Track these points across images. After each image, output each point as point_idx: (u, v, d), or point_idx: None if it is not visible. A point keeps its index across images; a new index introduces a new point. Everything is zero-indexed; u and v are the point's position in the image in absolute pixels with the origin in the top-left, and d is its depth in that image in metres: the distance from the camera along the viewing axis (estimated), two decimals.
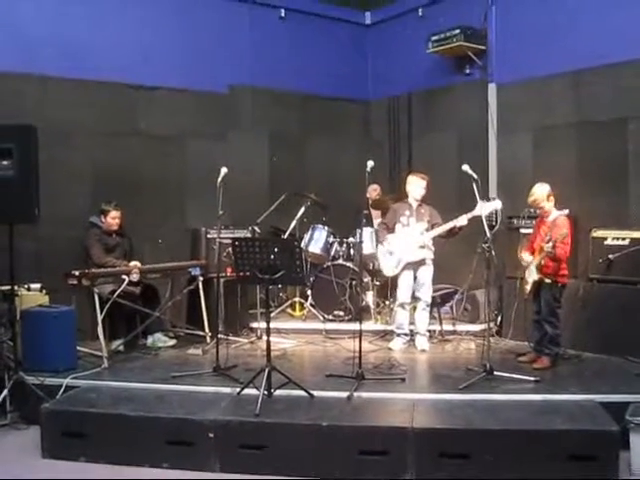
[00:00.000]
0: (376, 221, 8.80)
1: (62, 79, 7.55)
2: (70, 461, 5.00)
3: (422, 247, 7.08)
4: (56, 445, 5.07)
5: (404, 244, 7.09)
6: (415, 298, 7.22)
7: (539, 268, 6.08)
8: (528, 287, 6.24)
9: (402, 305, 7.22)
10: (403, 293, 7.19)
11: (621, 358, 6.38)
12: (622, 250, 6.60)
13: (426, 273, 7.14)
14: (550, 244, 5.85)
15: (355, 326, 6.02)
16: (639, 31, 6.91)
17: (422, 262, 7.12)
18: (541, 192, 6.20)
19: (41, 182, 6.66)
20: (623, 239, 6.68)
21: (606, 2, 7.27)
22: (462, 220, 6.76)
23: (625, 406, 4.90)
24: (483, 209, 6.37)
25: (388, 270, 7.26)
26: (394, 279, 7.50)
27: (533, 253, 6.21)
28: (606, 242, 6.81)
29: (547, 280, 6.11)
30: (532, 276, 6.17)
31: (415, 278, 7.15)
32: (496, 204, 6.55)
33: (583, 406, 5.11)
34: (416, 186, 7.18)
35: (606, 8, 7.25)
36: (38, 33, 7.38)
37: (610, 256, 6.66)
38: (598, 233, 6.90)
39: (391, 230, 7.25)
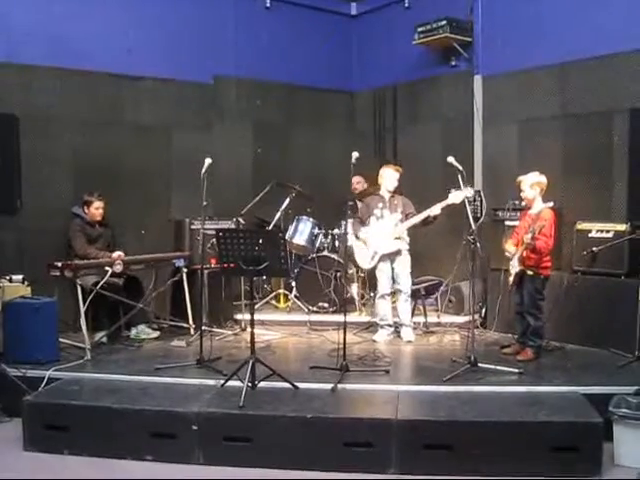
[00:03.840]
0: None
1: (45, 68, 7.47)
2: (52, 454, 4.97)
3: (397, 238, 7.07)
4: (38, 438, 5.04)
5: (379, 236, 7.09)
6: (395, 291, 7.22)
7: (521, 260, 6.09)
8: (511, 279, 6.26)
9: (383, 296, 7.23)
10: (383, 285, 7.19)
11: (605, 350, 6.41)
12: (606, 242, 6.61)
13: (403, 264, 7.14)
14: (529, 235, 5.86)
15: (340, 318, 6.02)
16: (625, 24, 6.92)
17: (398, 253, 7.11)
18: (528, 177, 6.20)
19: (23, 172, 6.64)
20: (607, 231, 6.69)
21: None
22: (435, 209, 6.77)
23: (608, 398, 4.92)
24: (455, 197, 6.38)
25: (364, 263, 7.27)
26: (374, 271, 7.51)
27: (518, 245, 6.20)
28: (590, 234, 6.82)
29: (529, 272, 6.12)
30: (514, 268, 6.18)
31: (393, 269, 7.15)
32: (467, 192, 6.51)
33: (567, 398, 5.14)
34: (390, 178, 7.17)
35: (592, 1, 7.25)
36: (20, 22, 7.28)
37: (594, 248, 6.67)
38: (582, 225, 6.92)
39: (365, 223, 7.24)
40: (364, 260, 7.24)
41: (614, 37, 6.99)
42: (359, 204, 8.80)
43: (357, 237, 7.28)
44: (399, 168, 7.23)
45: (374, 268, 7.23)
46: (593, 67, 7.24)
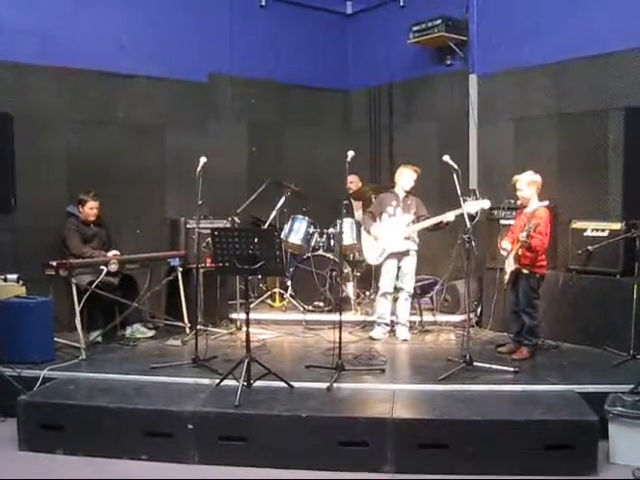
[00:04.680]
0: (357, 212, 8.81)
1: (38, 67, 7.42)
2: (47, 453, 4.96)
3: (407, 238, 7.08)
4: (33, 437, 5.02)
5: (389, 234, 7.09)
6: (397, 288, 7.23)
7: (517, 258, 6.10)
8: (506, 277, 6.26)
9: (384, 294, 7.22)
10: (386, 283, 7.18)
11: (600, 349, 6.42)
12: (601, 241, 6.61)
13: (410, 264, 7.15)
14: (524, 233, 5.87)
15: (335, 317, 6.01)
16: (619, 23, 6.93)
17: (406, 253, 7.12)
18: (525, 176, 6.20)
19: (17, 171, 6.60)
20: (602, 230, 6.69)
21: None
22: (449, 216, 6.74)
23: (604, 396, 4.92)
24: (471, 207, 6.38)
25: (371, 259, 7.28)
26: (375, 270, 7.51)
27: (513, 243, 6.20)
28: (585, 233, 6.82)
29: (525, 270, 6.12)
30: (510, 266, 6.18)
31: (399, 268, 7.15)
32: (484, 203, 6.53)
33: (562, 396, 5.15)
34: (407, 178, 7.16)
35: (587, 0, 7.26)
36: (13, 20, 7.23)
37: (589, 247, 6.66)
38: (578, 224, 6.92)
39: (377, 219, 7.24)
40: (372, 255, 7.25)
41: (609, 36, 7.00)
42: (354, 203, 8.84)
43: (368, 232, 7.28)
44: (418, 170, 7.20)
45: (377, 266, 7.22)
46: (588, 66, 7.25)
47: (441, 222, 6.88)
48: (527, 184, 6.18)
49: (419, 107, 9.39)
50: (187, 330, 7.31)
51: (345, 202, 8.18)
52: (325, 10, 10.00)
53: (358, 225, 7.96)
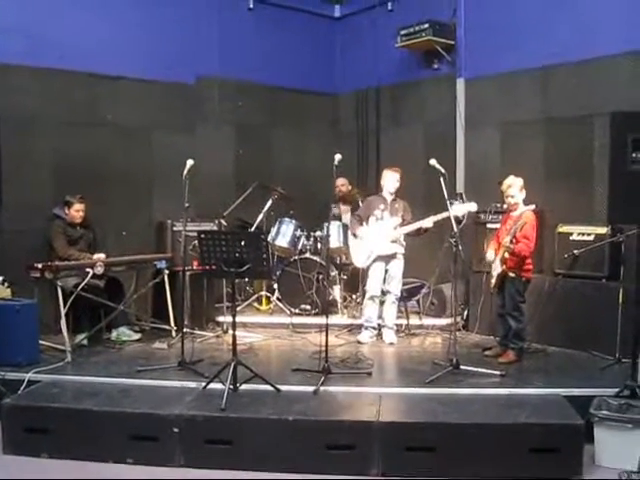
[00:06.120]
0: (345, 215, 8.81)
1: (25, 67, 7.36)
2: (32, 457, 4.92)
3: (394, 241, 7.09)
4: (18, 441, 4.98)
5: (377, 237, 7.10)
6: (384, 292, 7.23)
7: (503, 261, 6.12)
8: (493, 281, 6.28)
9: (372, 298, 7.24)
10: (373, 286, 7.19)
11: (586, 352, 6.44)
12: (587, 245, 6.65)
13: (397, 267, 7.16)
14: (508, 238, 5.91)
15: (322, 320, 6.01)
16: (606, 28, 6.98)
17: (393, 256, 7.13)
18: (518, 181, 6.22)
19: (3, 172, 6.55)
20: (588, 235, 6.74)
21: None
22: (427, 222, 6.77)
23: (589, 400, 4.94)
24: (458, 210, 6.41)
25: (359, 262, 7.29)
26: (362, 273, 7.51)
27: (499, 247, 6.22)
28: (571, 237, 6.87)
29: (511, 274, 6.15)
30: (496, 269, 6.21)
31: (386, 272, 7.16)
32: (471, 206, 6.54)
33: (548, 400, 5.16)
34: (390, 179, 7.19)
35: (574, 5, 7.30)
36: None
37: (575, 251, 6.70)
38: (564, 228, 6.96)
39: (364, 222, 7.25)
40: (359, 258, 7.26)
41: (595, 41, 7.04)
42: (342, 207, 8.84)
43: (354, 235, 7.30)
44: (398, 169, 7.23)
45: (364, 269, 7.23)
46: (575, 71, 7.29)
47: (420, 229, 6.90)
48: (519, 189, 6.21)
49: (406, 111, 9.41)
50: (173, 333, 7.28)
51: (333, 205, 8.19)
52: (313, 13, 10.01)
53: (345, 228, 7.96)
